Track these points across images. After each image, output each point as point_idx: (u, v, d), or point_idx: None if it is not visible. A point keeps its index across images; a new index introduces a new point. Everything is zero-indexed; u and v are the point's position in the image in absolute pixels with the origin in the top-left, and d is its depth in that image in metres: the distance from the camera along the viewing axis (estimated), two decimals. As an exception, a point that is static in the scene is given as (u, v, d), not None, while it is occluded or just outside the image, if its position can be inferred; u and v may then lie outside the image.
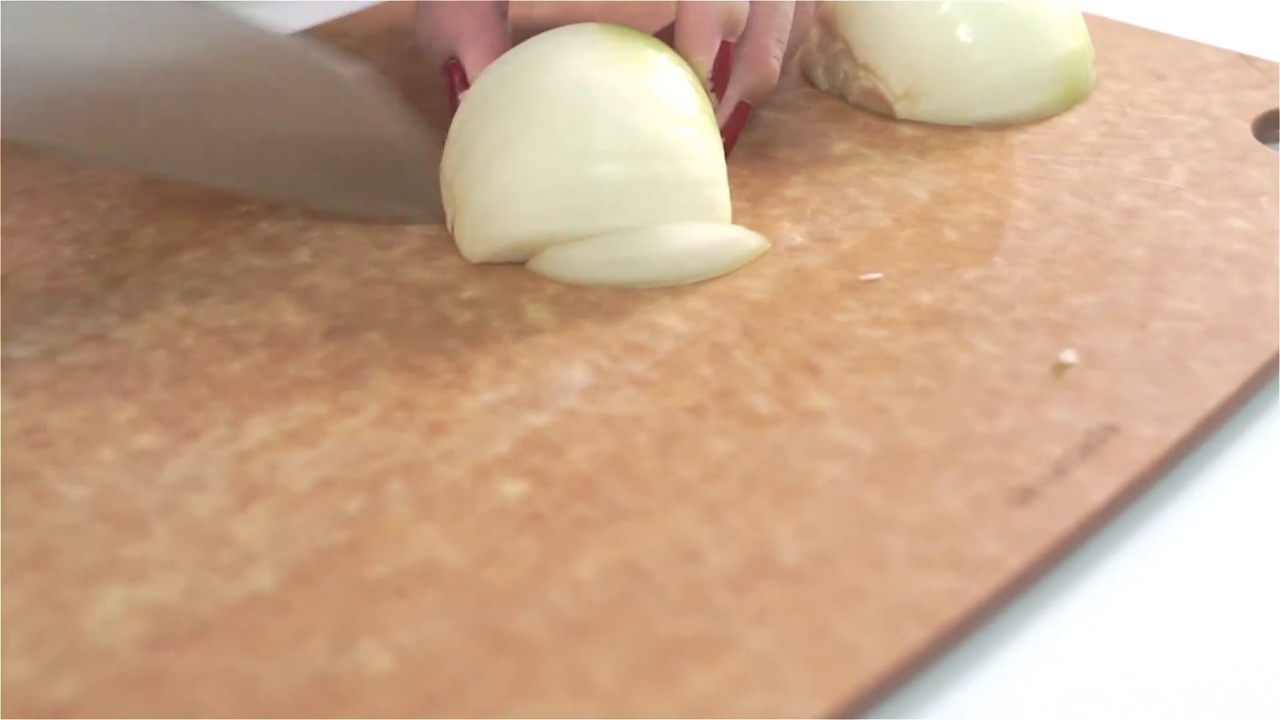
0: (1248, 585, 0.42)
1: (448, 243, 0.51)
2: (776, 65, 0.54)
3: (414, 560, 0.40)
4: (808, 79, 0.61)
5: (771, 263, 0.50)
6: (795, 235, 0.51)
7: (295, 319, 0.48)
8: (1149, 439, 0.43)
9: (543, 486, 0.42)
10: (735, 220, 0.51)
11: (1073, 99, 0.59)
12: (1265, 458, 0.45)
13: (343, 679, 0.37)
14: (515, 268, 0.50)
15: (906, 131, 0.57)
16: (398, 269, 0.50)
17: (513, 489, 0.42)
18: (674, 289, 0.49)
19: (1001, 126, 0.57)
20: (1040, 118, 0.58)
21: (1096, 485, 0.42)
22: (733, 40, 0.52)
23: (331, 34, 0.64)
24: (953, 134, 0.57)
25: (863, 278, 0.49)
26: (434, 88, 0.55)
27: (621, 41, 0.50)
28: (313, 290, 0.49)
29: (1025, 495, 0.41)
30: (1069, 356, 0.46)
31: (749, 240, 0.50)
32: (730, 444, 0.43)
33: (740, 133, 0.54)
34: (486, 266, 0.50)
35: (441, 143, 0.51)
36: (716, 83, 0.52)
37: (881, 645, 0.38)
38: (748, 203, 0.53)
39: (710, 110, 0.51)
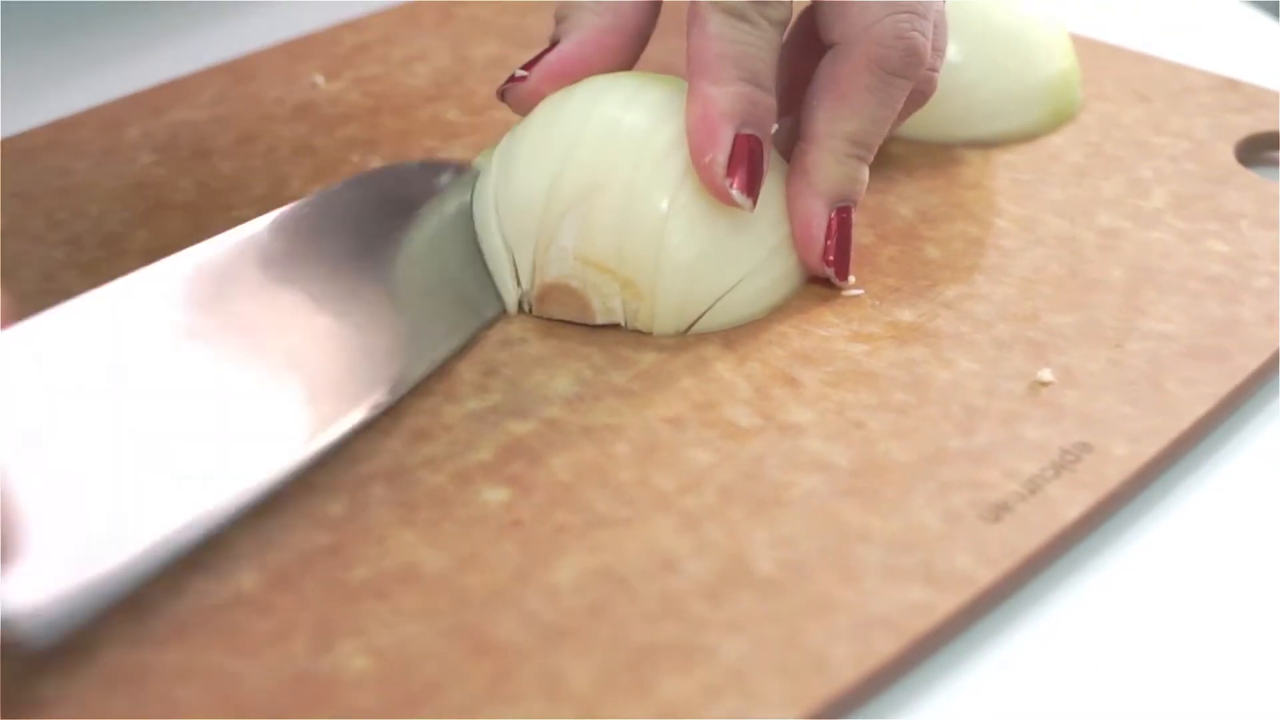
0: (1216, 603, 0.42)
1: (436, 251, 0.52)
2: (855, 168, 0.49)
3: (394, 563, 0.40)
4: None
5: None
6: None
7: (284, 324, 0.48)
8: (1122, 457, 0.44)
9: (523, 494, 0.42)
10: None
11: (1059, 120, 0.59)
12: (1237, 478, 0.46)
13: (321, 679, 0.37)
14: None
15: (893, 148, 0.57)
16: (386, 276, 0.51)
17: (494, 495, 0.42)
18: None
19: (988, 145, 0.58)
20: (1026, 137, 0.59)
21: (1069, 502, 0.42)
22: (751, 133, 0.47)
23: (329, 42, 0.65)
24: (939, 152, 0.58)
25: (844, 293, 0.50)
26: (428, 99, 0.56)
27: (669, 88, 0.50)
28: (302, 296, 0.50)
29: (999, 511, 0.42)
30: (1046, 375, 0.47)
31: None
32: (709, 455, 0.44)
33: (850, 246, 0.50)
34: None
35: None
36: (736, 180, 0.47)
37: (852, 656, 0.38)
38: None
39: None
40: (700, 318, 0.48)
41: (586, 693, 0.37)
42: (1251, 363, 0.48)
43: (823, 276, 0.50)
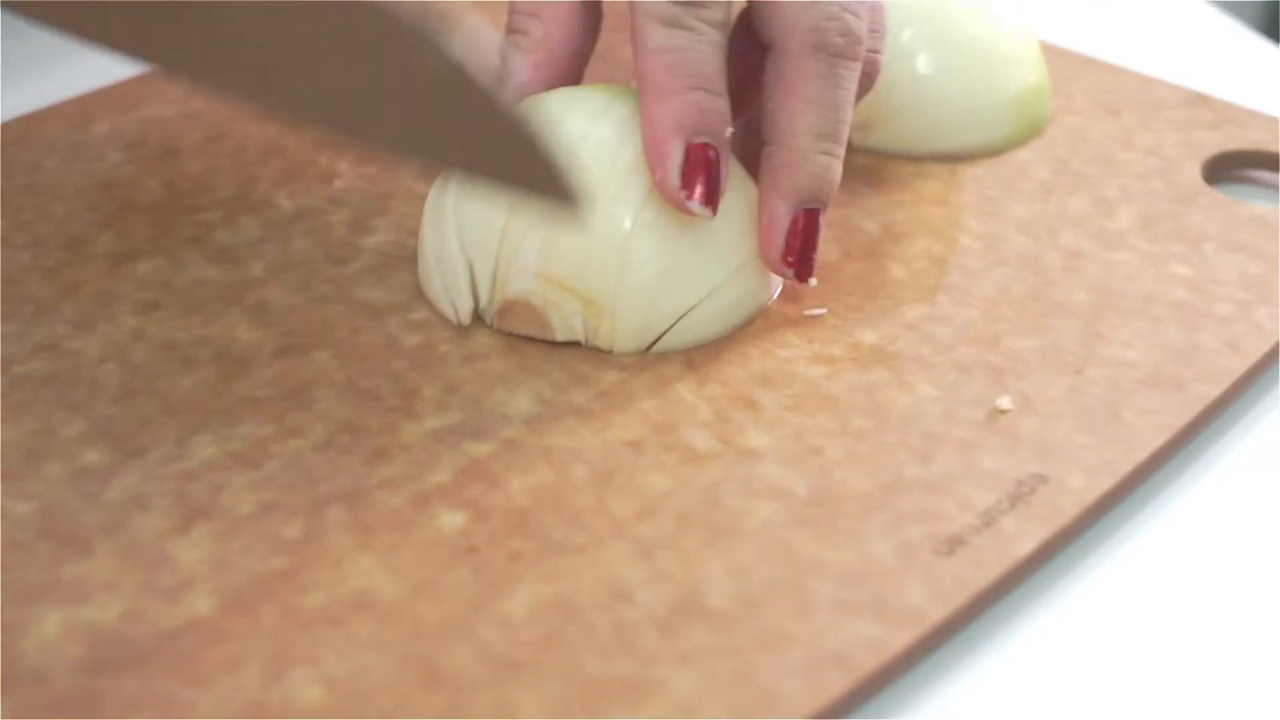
0: (1169, 638, 0.42)
1: (401, 261, 0.52)
2: (825, 165, 0.49)
3: (350, 589, 0.40)
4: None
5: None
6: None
7: (246, 335, 0.48)
8: (1076, 490, 0.44)
9: (480, 519, 0.43)
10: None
11: (1028, 134, 0.59)
12: (1193, 510, 0.46)
13: (272, 708, 0.37)
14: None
15: (859, 161, 0.57)
16: (350, 287, 0.51)
17: (451, 520, 0.43)
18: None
19: (955, 159, 0.58)
20: (994, 152, 0.59)
21: (1022, 536, 0.43)
22: (704, 140, 0.47)
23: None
24: (905, 165, 0.58)
25: (807, 313, 0.50)
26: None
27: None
28: (265, 306, 0.50)
29: (952, 544, 0.42)
30: (1004, 403, 0.47)
31: None
32: (667, 480, 0.44)
33: (815, 248, 0.49)
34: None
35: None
36: (691, 192, 0.47)
37: (802, 692, 0.39)
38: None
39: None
40: (661, 337, 0.48)
41: (538, 725, 0.38)
42: (1210, 392, 0.48)
43: (785, 278, 0.50)
